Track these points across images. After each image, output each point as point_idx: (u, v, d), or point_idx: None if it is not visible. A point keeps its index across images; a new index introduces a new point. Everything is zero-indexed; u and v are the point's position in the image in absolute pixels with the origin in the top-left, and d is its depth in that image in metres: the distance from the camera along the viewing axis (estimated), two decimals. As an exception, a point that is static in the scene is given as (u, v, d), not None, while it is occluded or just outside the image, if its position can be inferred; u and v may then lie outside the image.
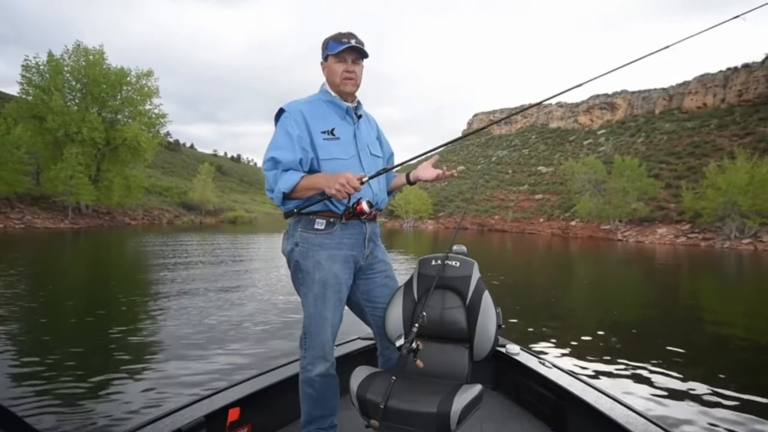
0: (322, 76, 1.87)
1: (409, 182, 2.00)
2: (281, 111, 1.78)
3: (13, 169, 26.37)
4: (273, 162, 1.69)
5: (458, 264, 1.90)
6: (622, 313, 7.54)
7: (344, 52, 1.75)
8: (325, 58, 1.81)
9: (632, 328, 6.42)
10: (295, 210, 1.72)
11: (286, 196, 1.70)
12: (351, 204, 1.69)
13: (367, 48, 1.79)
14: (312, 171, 1.74)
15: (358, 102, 1.90)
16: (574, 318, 6.99)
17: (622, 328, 6.32)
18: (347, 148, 1.80)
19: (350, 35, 1.75)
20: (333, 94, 1.83)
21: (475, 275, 1.87)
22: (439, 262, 1.90)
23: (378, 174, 1.77)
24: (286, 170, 1.69)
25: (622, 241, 36.15)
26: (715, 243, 30.19)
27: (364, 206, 1.67)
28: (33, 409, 3.02)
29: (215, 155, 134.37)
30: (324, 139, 1.75)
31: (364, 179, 1.65)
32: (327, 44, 1.78)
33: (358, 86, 1.83)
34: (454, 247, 1.99)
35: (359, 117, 1.89)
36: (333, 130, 1.78)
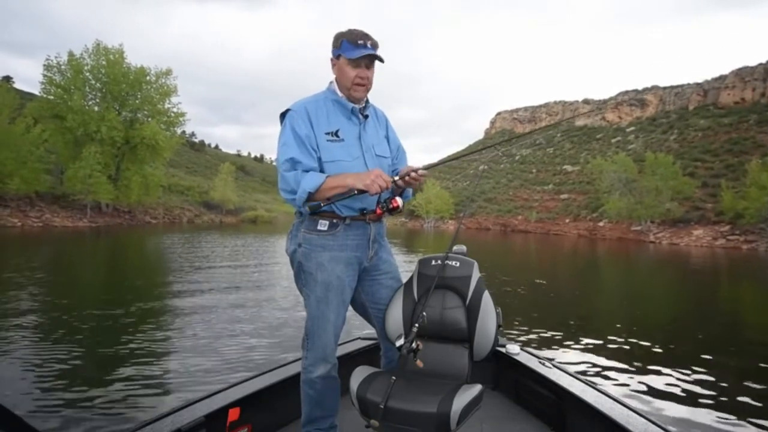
0: (332, 72, 1.80)
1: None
2: (287, 111, 1.73)
3: (33, 168, 26.58)
4: (292, 162, 1.64)
5: (458, 264, 1.87)
6: (648, 323, 6.63)
7: (360, 58, 1.69)
8: (337, 56, 1.72)
9: (656, 339, 5.61)
10: (321, 204, 1.63)
11: (310, 197, 1.63)
12: (384, 201, 1.71)
13: (387, 48, 1.84)
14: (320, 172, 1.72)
15: (367, 101, 1.83)
16: (595, 328, 6.10)
17: (647, 338, 5.54)
18: (351, 150, 1.74)
19: (366, 36, 1.68)
20: (340, 94, 1.76)
21: (475, 275, 1.85)
22: (439, 262, 1.88)
23: (405, 175, 1.73)
24: (306, 171, 1.64)
25: (655, 243, 34.38)
26: (759, 246, 28.32)
27: (399, 202, 1.71)
28: (33, 409, 3.03)
29: (239, 155, 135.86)
30: (328, 140, 1.70)
31: (395, 178, 1.69)
32: (341, 43, 1.69)
33: (368, 91, 1.78)
34: (455, 247, 1.95)
35: (366, 117, 1.82)
36: (337, 131, 1.73)
